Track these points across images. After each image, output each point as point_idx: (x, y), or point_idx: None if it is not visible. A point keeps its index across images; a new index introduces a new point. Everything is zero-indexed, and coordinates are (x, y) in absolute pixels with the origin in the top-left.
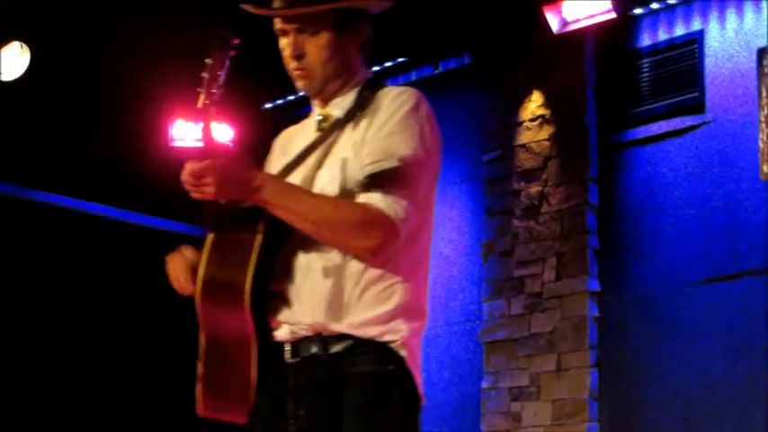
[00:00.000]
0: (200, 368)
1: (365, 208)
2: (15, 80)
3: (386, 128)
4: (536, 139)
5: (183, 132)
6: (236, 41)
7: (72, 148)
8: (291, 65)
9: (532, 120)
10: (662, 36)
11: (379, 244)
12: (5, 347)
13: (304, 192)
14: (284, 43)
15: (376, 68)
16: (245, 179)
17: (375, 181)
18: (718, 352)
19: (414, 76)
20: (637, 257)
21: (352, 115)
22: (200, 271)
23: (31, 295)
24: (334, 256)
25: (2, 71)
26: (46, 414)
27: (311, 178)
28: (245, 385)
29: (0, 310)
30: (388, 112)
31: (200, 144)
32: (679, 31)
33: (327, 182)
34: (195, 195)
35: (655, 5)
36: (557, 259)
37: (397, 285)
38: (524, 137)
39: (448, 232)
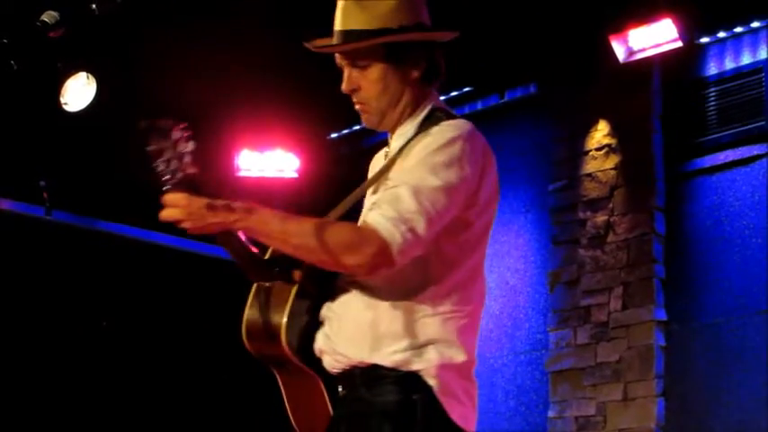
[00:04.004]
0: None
1: (354, 227)
2: (81, 111)
3: (413, 159)
4: (602, 169)
5: (249, 162)
6: (181, 126)
7: (137, 178)
8: (352, 98)
9: (598, 149)
10: (728, 65)
11: (368, 262)
12: (67, 372)
13: (283, 216)
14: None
15: (441, 98)
16: (222, 211)
17: (380, 203)
18: None
19: (480, 106)
20: (703, 286)
21: (406, 149)
22: (243, 318)
23: (93, 323)
24: (370, 288)
25: (68, 102)
26: None
27: (362, 206)
28: (324, 411)
29: (62, 336)
30: (421, 145)
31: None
32: (746, 59)
33: (368, 209)
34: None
35: (721, 34)
36: (623, 288)
37: (429, 318)
38: (590, 166)
39: (514, 261)
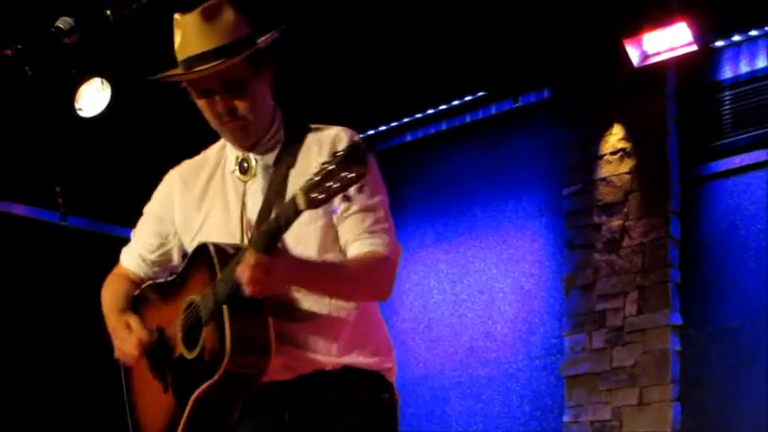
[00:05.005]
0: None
1: (376, 259)
2: (96, 116)
3: None
4: (617, 173)
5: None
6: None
7: (153, 184)
8: (224, 119)
9: (613, 153)
10: (743, 68)
11: (393, 284)
12: (81, 376)
13: (329, 266)
14: (206, 102)
15: (456, 102)
16: (297, 275)
17: (368, 230)
18: None
19: (494, 110)
20: (719, 291)
21: (289, 160)
22: (227, 333)
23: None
24: (322, 299)
25: (83, 107)
26: None
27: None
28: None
29: (77, 340)
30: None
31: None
32: (761, 63)
33: (296, 229)
34: (251, 289)
35: (736, 38)
36: (638, 293)
37: (375, 321)
38: (605, 170)
39: (529, 266)
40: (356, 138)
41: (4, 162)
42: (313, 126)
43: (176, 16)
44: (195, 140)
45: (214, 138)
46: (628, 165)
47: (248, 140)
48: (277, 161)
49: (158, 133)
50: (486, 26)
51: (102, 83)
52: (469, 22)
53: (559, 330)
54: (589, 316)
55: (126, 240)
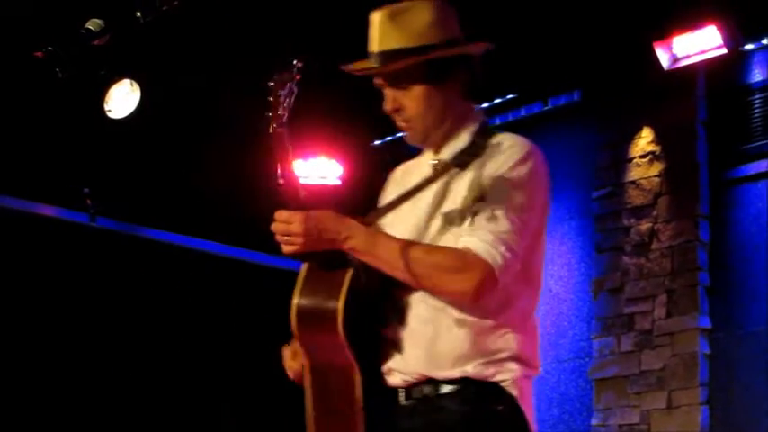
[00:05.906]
0: (309, 405)
1: (459, 252)
2: (125, 118)
3: (493, 179)
4: (646, 176)
5: (296, 170)
6: (300, 65)
7: (182, 186)
8: (394, 118)
9: (642, 156)
10: None
11: (475, 288)
12: (110, 378)
13: (392, 239)
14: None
15: (485, 105)
16: (334, 230)
17: (475, 226)
18: None
19: (523, 113)
20: (748, 294)
21: (462, 162)
22: (294, 301)
23: (138, 331)
24: (448, 305)
25: (112, 109)
26: None
27: (424, 228)
28: (353, 410)
29: (107, 342)
30: (497, 163)
31: (280, 177)
32: None
33: (438, 232)
34: (285, 249)
35: (766, 41)
36: (667, 296)
37: (509, 335)
38: (634, 173)
39: (557, 269)
40: (517, 146)
41: (33, 163)
42: (497, 133)
43: (371, 13)
44: (224, 142)
45: (244, 141)
46: (657, 168)
47: (416, 142)
48: (455, 164)
49: (187, 135)
50: (516, 29)
51: (132, 84)
52: (498, 24)
53: (588, 333)
54: (618, 319)
55: (154, 242)
